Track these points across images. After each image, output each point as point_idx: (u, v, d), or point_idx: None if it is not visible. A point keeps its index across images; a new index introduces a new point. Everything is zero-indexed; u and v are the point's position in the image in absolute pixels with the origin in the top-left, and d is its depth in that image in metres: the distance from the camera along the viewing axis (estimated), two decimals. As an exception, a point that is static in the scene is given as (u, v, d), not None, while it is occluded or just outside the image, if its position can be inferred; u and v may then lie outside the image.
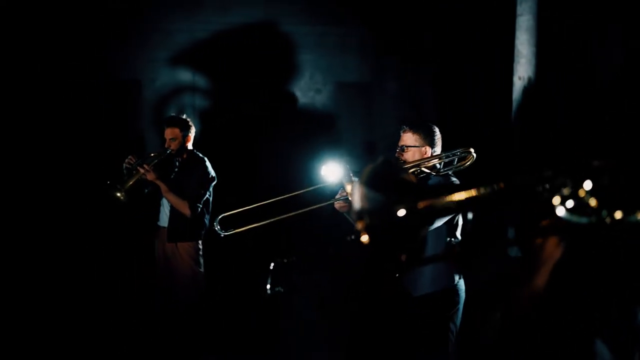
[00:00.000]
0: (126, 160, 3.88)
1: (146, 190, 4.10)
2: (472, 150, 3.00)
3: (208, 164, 4.13)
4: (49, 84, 6.53)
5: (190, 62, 7.07)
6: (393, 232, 1.54)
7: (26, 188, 6.12)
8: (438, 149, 3.09)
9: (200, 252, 4.11)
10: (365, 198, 1.59)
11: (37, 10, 6.45)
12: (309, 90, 7.76)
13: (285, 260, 2.65)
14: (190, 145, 4.17)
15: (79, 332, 4.66)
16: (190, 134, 4.14)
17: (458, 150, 3.02)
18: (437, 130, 3.13)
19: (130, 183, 3.77)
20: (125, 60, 7.06)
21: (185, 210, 3.95)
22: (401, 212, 1.61)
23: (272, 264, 2.55)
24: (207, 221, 4.13)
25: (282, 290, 2.53)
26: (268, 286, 2.50)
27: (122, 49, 7.01)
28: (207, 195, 4.08)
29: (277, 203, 3.25)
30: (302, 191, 3.20)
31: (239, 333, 4.68)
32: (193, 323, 4.02)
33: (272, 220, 3.05)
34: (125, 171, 3.88)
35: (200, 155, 4.17)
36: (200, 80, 7.15)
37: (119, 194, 3.74)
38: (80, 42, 6.72)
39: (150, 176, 3.82)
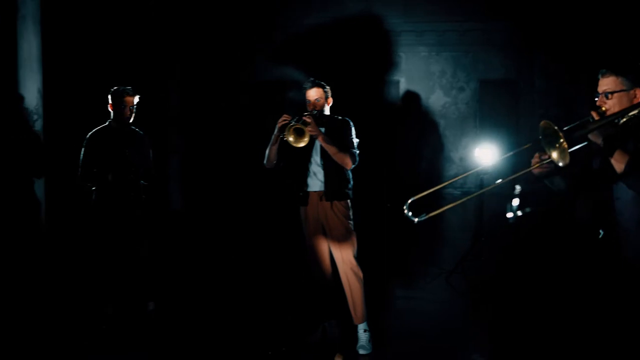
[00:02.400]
0: (281, 119, 3.87)
1: (281, 164, 4.08)
2: None
3: (352, 125, 4.07)
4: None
5: (332, 62, 7.13)
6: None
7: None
8: None
9: (351, 210, 4.04)
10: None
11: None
12: (451, 88, 7.57)
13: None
14: (328, 110, 4.12)
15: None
16: (330, 97, 4.11)
17: None
18: None
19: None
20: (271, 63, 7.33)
21: (346, 160, 3.88)
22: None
23: (517, 188, 2.52)
24: (352, 179, 4.07)
25: (529, 210, 2.49)
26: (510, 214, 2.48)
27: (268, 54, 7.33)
28: None
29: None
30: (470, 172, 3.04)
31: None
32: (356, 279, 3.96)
33: (459, 201, 2.93)
34: (277, 130, 3.87)
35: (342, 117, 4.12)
36: (343, 80, 7.19)
37: (305, 137, 3.70)
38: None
39: (314, 126, 3.79)
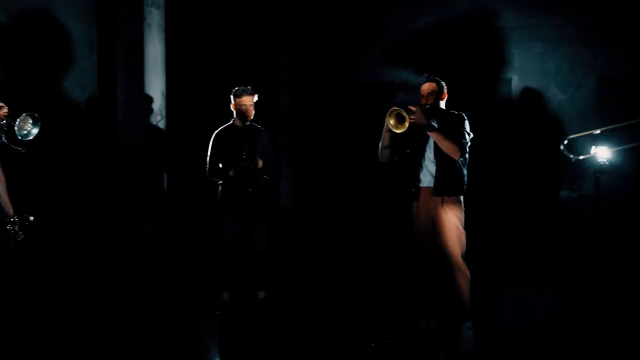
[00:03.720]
0: (390, 109, 3.93)
1: (395, 159, 4.12)
2: None
3: (467, 120, 4.03)
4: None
5: (442, 61, 7.07)
6: None
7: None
8: None
9: (463, 208, 4.00)
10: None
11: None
12: (568, 85, 7.25)
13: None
14: (443, 105, 4.09)
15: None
16: (444, 92, 4.09)
17: None
18: None
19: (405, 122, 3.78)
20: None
21: (454, 148, 3.86)
22: None
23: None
24: (466, 176, 4.02)
25: None
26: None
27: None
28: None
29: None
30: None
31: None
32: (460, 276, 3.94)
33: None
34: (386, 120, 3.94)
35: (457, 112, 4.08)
36: (453, 80, 7.11)
37: (405, 123, 3.74)
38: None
39: (418, 115, 3.81)
